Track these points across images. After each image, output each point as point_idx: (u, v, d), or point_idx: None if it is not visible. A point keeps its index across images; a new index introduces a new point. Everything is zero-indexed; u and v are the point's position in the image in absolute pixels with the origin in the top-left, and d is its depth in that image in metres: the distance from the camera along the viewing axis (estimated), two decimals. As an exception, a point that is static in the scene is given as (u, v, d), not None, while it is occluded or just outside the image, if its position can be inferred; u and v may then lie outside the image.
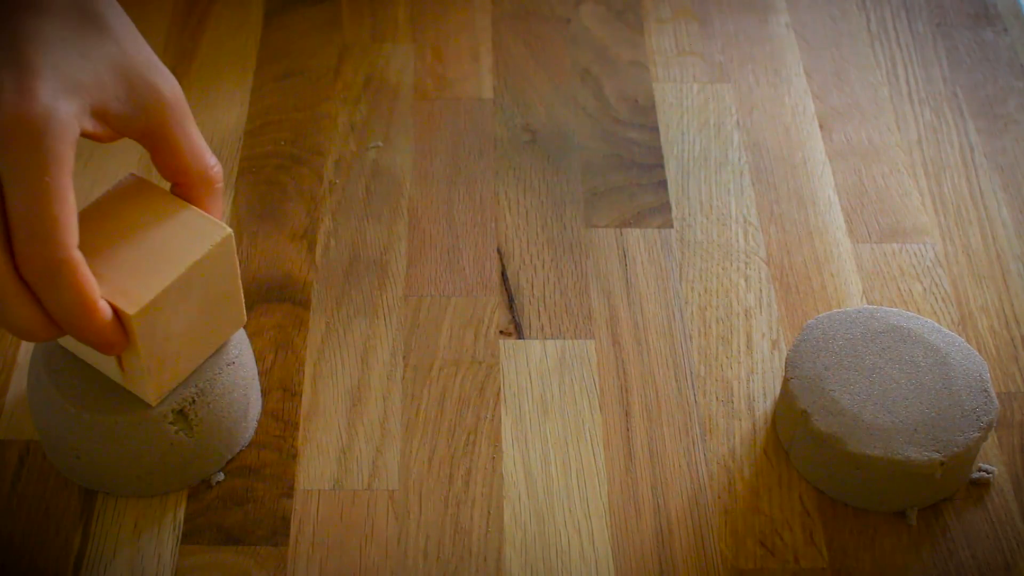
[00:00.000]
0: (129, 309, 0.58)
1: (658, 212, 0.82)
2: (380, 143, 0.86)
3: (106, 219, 0.61)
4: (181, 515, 0.67)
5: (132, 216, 0.61)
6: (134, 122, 0.59)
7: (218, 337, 0.65)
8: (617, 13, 0.95)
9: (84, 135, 0.57)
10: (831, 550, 0.67)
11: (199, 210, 0.62)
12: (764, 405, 0.73)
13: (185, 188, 0.62)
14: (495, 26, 0.94)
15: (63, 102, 0.55)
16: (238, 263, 0.63)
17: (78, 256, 0.55)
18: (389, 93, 0.89)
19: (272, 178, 0.84)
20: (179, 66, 0.90)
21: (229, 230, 0.61)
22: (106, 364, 0.64)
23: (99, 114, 0.58)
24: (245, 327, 0.72)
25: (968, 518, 0.68)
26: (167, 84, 0.60)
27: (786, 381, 0.69)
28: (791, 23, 0.95)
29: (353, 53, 0.92)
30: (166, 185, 0.64)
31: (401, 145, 0.86)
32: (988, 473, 0.70)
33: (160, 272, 0.59)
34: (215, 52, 0.91)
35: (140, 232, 0.61)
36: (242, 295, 0.65)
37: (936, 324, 0.71)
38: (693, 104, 0.89)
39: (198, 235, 0.61)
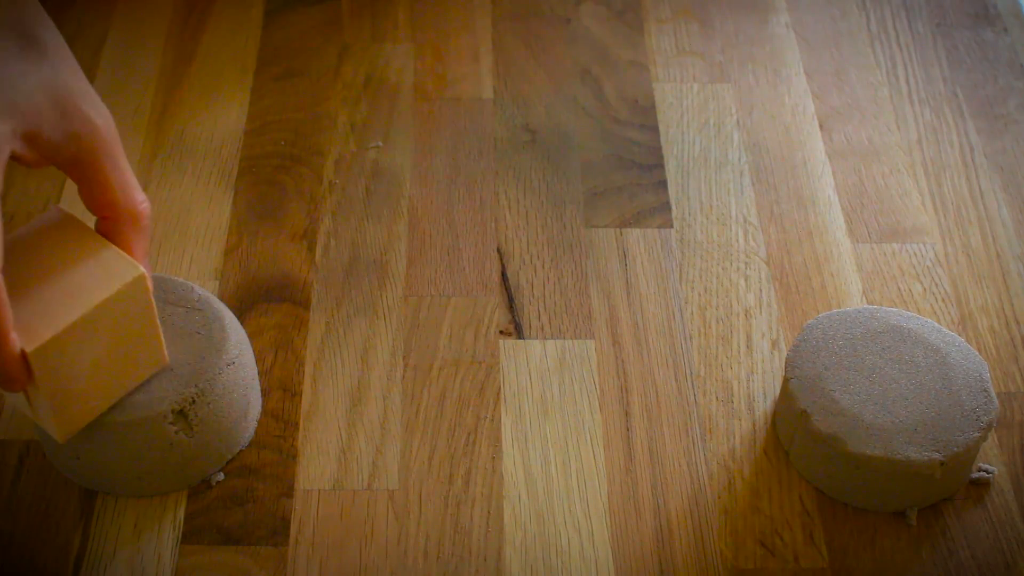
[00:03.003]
0: (28, 346, 0.57)
1: (658, 212, 0.82)
2: (380, 143, 0.86)
3: (24, 252, 0.60)
4: (181, 515, 0.67)
5: (50, 251, 0.60)
6: (64, 149, 0.58)
7: (134, 377, 0.64)
8: (617, 13, 0.95)
9: (13, 158, 0.56)
10: (831, 550, 0.67)
11: (117, 249, 0.60)
12: (764, 405, 0.73)
13: (111, 222, 0.61)
14: (495, 26, 0.94)
15: None
16: (154, 304, 0.62)
17: None
18: (389, 93, 0.89)
19: (272, 178, 0.84)
20: (179, 66, 0.90)
21: (142, 270, 0.60)
22: (21, 400, 0.63)
23: (30, 137, 0.56)
24: (245, 327, 0.72)
25: (968, 518, 0.68)
26: (100, 115, 0.59)
27: (786, 381, 0.69)
28: (791, 23, 0.95)
29: (353, 53, 0.92)
30: (91, 222, 0.62)
31: (401, 145, 0.86)
32: (988, 473, 0.70)
33: (65, 309, 0.58)
34: (215, 52, 0.91)
35: (54, 268, 0.59)
36: (160, 336, 0.64)
37: (936, 324, 0.71)
38: (693, 104, 0.89)
39: (110, 274, 0.59)
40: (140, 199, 0.61)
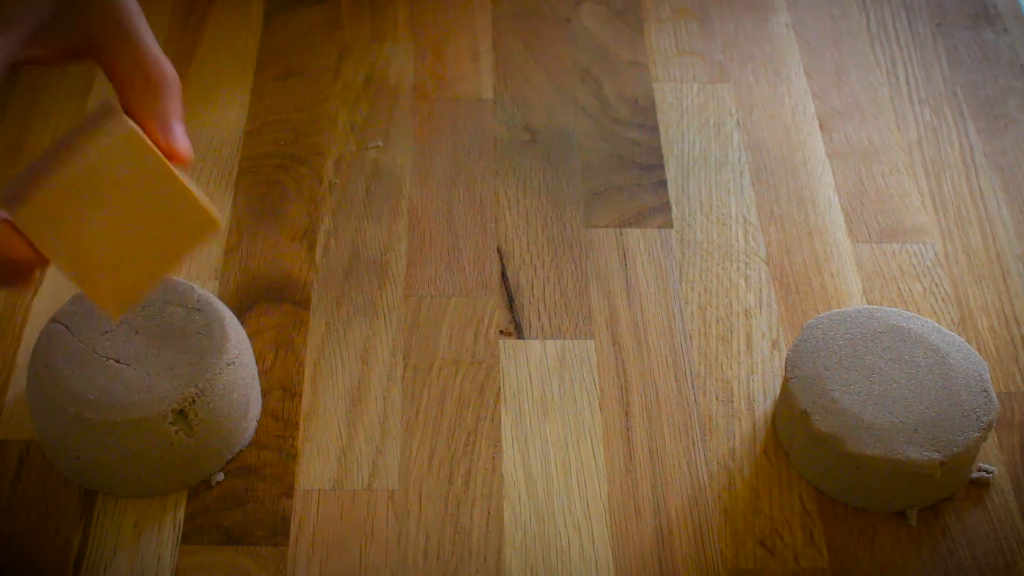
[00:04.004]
0: (10, 214, 0.55)
1: (658, 212, 0.82)
2: (380, 143, 0.86)
3: (64, 142, 0.58)
4: (181, 515, 0.67)
5: (75, 136, 0.58)
6: (81, 29, 0.56)
7: (180, 243, 0.60)
8: (617, 13, 0.95)
9: (26, 62, 0.55)
10: (831, 550, 0.67)
11: (121, 115, 0.57)
12: (764, 405, 0.73)
13: (144, 95, 0.58)
14: (495, 26, 0.94)
15: None
16: (165, 161, 0.58)
17: None
18: (389, 93, 0.89)
19: (272, 178, 0.84)
20: (179, 66, 0.89)
21: (131, 126, 0.57)
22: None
23: (38, 38, 0.55)
24: (245, 327, 0.72)
25: (968, 518, 0.68)
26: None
27: (786, 381, 0.69)
28: (791, 23, 0.95)
29: (353, 53, 0.92)
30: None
31: (401, 145, 0.86)
32: (988, 473, 0.70)
33: (51, 173, 0.56)
34: (215, 52, 0.91)
35: (69, 147, 0.57)
36: (194, 195, 0.59)
37: (936, 324, 0.71)
38: (693, 104, 0.89)
39: (97, 131, 0.57)
40: (169, 70, 0.59)
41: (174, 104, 0.59)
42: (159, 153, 0.58)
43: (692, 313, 0.77)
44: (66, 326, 0.68)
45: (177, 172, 0.59)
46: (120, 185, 0.58)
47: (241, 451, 0.70)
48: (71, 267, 0.57)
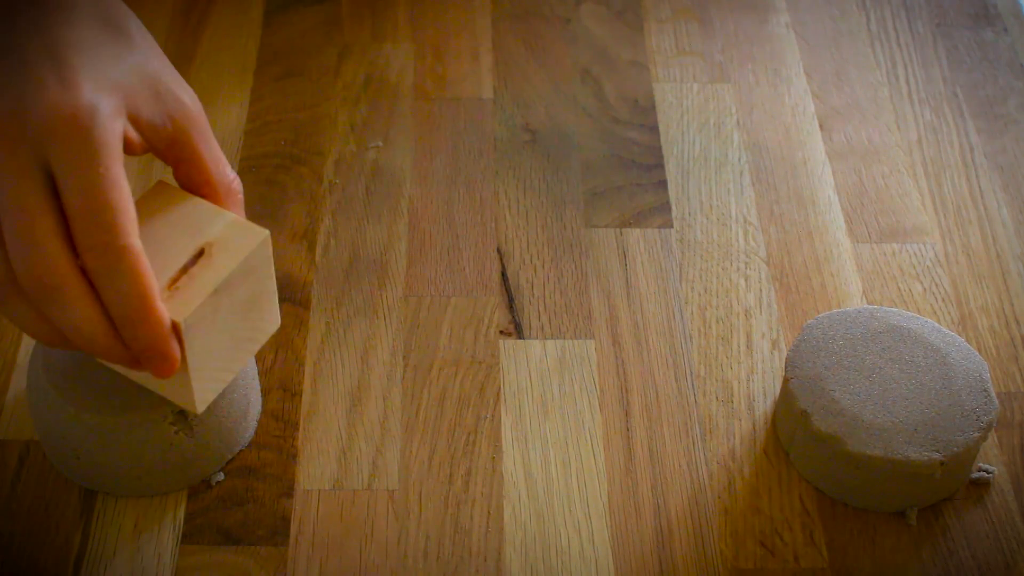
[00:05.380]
0: (177, 316, 0.57)
1: (658, 212, 0.82)
2: (380, 143, 0.86)
3: (142, 226, 0.59)
4: (181, 515, 0.67)
5: (169, 221, 0.61)
6: (162, 131, 0.59)
7: (256, 340, 0.64)
8: (617, 13, 0.95)
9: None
10: (831, 550, 0.67)
11: (233, 214, 0.61)
12: (764, 405, 0.73)
13: (209, 200, 0.62)
14: (495, 26, 0.94)
15: (105, 97, 0.56)
16: (272, 265, 0.62)
17: (138, 244, 0.55)
18: (389, 93, 0.89)
19: (272, 178, 0.84)
20: (179, 66, 0.90)
21: (266, 232, 0.61)
22: (147, 376, 0.63)
23: (132, 118, 0.58)
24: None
25: (968, 518, 0.68)
26: (191, 97, 0.61)
27: (786, 381, 0.69)
28: (791, 23, 0.95)
29: (353, 53, 0.92)
30: None
31: (401, 145, 0.86)
32: (988, 473, 0.70)
33: (202, 278, 0.59)
34: (215, 52, 0.91)
35: (177, 238, 0.60)
36: (276, 297, 0.64)
37: (936, 324, 0.71)
38: (693, 104, 0.89)
39: (238, 238, 0.60)
40: (232, 175, 0.62)
41: (241, 212, 0.63)
42: (272, 259, 0.62)
43: (692, 313, 0.77)
44: (66, 326, 0.68)
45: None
46: (245, 289, 0.61)
47: (241, 451, 0.70)
48: (193, 368, 0.60)
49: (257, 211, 0.81)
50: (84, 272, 0.55)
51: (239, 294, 0.61)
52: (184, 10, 0.94)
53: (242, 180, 0.83)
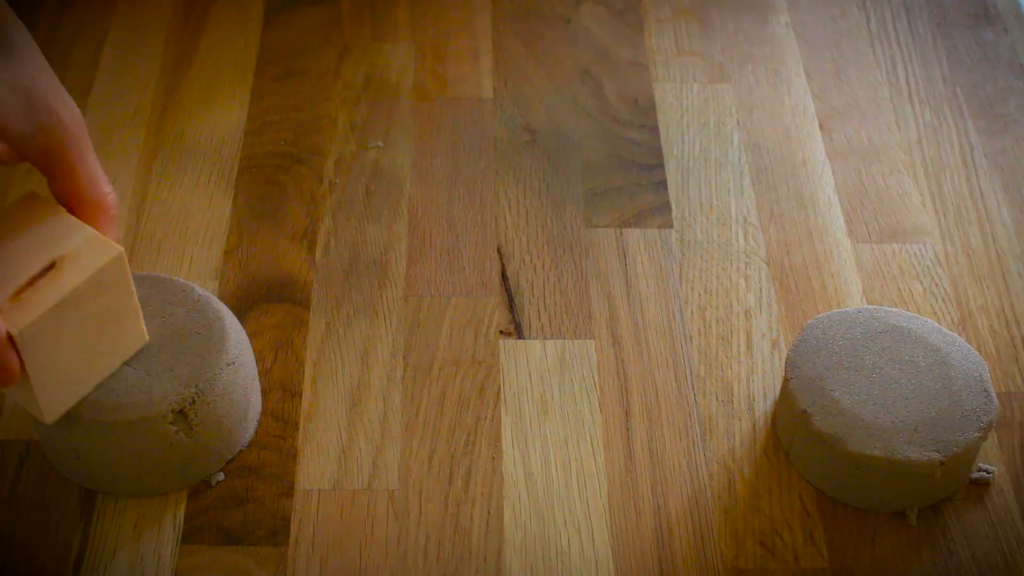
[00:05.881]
0: (13, 328, 0.58)
1: (658, 212, 0.82)
2: (380, 143, 0.86)
3: (2, 235, 0.61)
4: (181, 515, 0.67)
5: (27, 233, 0.61)
6: (32, 142, 0.59)
7: (117, 356, 0.65)
8: (617, 13, 0.95)
9: None
10: (831, 550, 0.67)
11: (93, 230, 0.61)
12: (764, 405, 0.73)
13: (79, 214, 0.62)
14: (495, 26, 0.94)
15: None
16: (131, 282, 0.63)
17: None
18: (389, 93, 0.89)
19: (272, 178, 0.84)
20: (179, 66, 0.90)
21: (120, 249, 0.61)
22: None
23: (2, 131, 0.58)
24: (245, 327, 0.72)
25: (968, 518, 0.68)
26: (67, 109, 0.60)
27: (786, 381, 0.69)
28: (791, 23, 0.95)
29: (353, 53, 0.92)
30: None
31: (401, 145, 0.86)
32: (988, 473, 0.70)
33: (48, 290, 0.59)
34: (215, 52, 0.91)
35: (33, 249, 0.60)
36: (140, 313, 0.64)
37: (936, 324, 0.71)
38: (693, 104, 0.89)
39: (90, 253, 0.60)
40: (106, 191, 0.62)
41: (113, 231, 0.63)
42: (130, 276, 0.63)
43: (692, 313, 0.77)
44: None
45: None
46: (97, 305, 0.62)
47: (241, 451, 0.70)
48: (36, 379, 0.60)
49: (257, 211, 0.82)
50: None
51: (90, 309, 0.61)
52: (184, 10, 0.94)
53: (242, 180, 0.83)
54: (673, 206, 0.83)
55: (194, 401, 0.65)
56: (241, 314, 0.75)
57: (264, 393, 0.72)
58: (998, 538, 0.68)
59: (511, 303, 0.77)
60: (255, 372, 0.71)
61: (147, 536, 0.66)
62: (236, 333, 0.69)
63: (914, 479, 0.66)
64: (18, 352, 0.58)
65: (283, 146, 0.86)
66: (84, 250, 0.61)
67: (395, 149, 0.86)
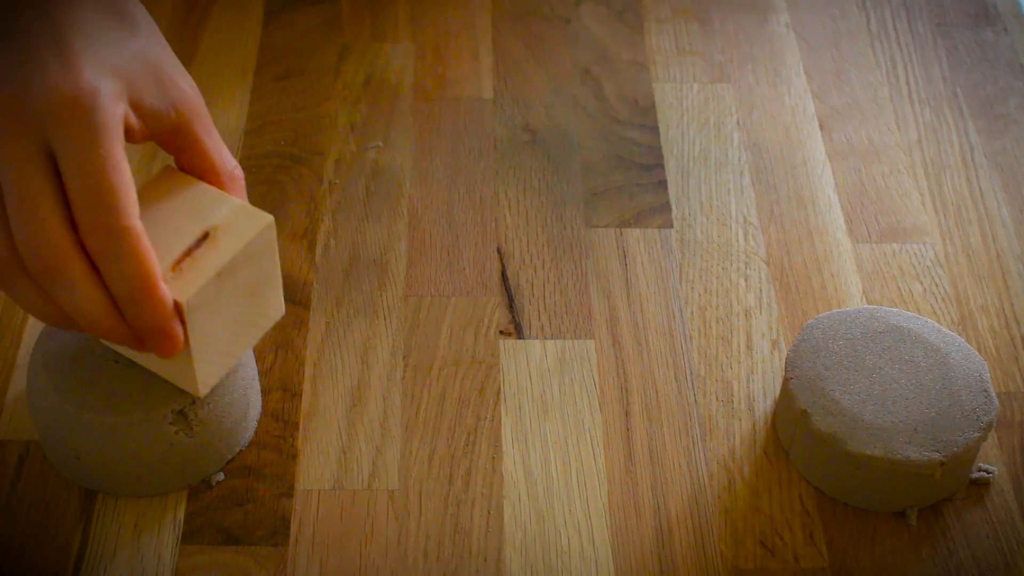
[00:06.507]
0: (180, 296, 0.58)
1: (658, 212, 0.82)
2: (380, 143, 0.86)
3: (147, 209, 0.60)
4: (181, 515, 0.67)
5: (175, 205, 0.61)
6: (164, 119, 0.59)
7: (259, 326, 0.65)
8: (617, 13, 0.95)
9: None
10: (831, 550, 0.67)
11: (239, 199, 0.62)
12: (764, 405, 0.73)
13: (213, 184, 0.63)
14: (495, 26, 0.94)
15: (107, 81, 0.56)
16: (277, 251, 0.63)
17: (139, 226, 0.56)
18: (389, 93, 0.89)
19: (272, 178, 0.84)
20: (179, 66, 0.90)
21: (270, 217, 0.61)
22: (150, 359, 0.64)
23: (134, 104, 0.58)
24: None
25: (968, 518, 0.68)
26: (192, 87, 0.61)
27: (786, 381, 0.69)
28: (791, 23, 0.95)
29: (353, 53, 0.92)
30: None
31: (401, 145, 0.86)
32: (988, 473, 0.70)
33: (206, 260, 0.59)
34: (215, 52, 0.91)
35: (183, 222, 0.61)
36: (281, 283, 0.65)
37: (936, 324, 0.71)
38: (693, 104, 0.89)
39: (241, 223, 0.61)
40: (234, 163, 0.63)
41: (244, 198, 0.63)
42: (276, 245, 0.62)
43: (692, 313, 0.77)
44: (66, 326, 0.68)
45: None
46: (250, 274, 0.62)
47: (241, 451, 0.70)
48: (197, 350, 0.60)
49: (257, 211, 0.82)
50: (87, 253, 0.56)
51: (242, 278, 0.61)
52: (184, 10, 0.94)
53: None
54: (673, 206, 0.83)
55: (194, 401, 0.65)
56: (241, 314, 0.75)
57: (264, 393, 0.72)
58: (998, 538, 0.68)
59: (511, 303, 0.77)
60: (255, 372, 0.71)
61: (147, 536, 0.66)
62: (236, 333, 0.69)
63: (914, 479, 0.66)
64: (184, 323, 0.58)
65: (283, 146, 0.86)
66: (235, 220, 0.61)
67: (395, 149, 0.86)
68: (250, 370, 0.70)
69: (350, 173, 0.84)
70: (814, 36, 0.94)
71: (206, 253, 0.60)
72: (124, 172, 0.55)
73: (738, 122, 0.88)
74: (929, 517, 0.68)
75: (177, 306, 0.58)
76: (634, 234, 0.81)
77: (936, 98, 0.90)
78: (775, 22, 0.95)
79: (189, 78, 0.61)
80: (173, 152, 0.62)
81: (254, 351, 0.72)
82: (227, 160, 0.62)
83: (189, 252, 0.60)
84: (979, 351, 0.75)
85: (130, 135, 0.58)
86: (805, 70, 0.92)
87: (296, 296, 0.77)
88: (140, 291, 0.56)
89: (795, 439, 0.69)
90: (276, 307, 0.65)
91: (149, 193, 0.61)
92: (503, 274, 0.79)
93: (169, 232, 0.60)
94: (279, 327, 0.75)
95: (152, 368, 0.64)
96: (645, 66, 0.92)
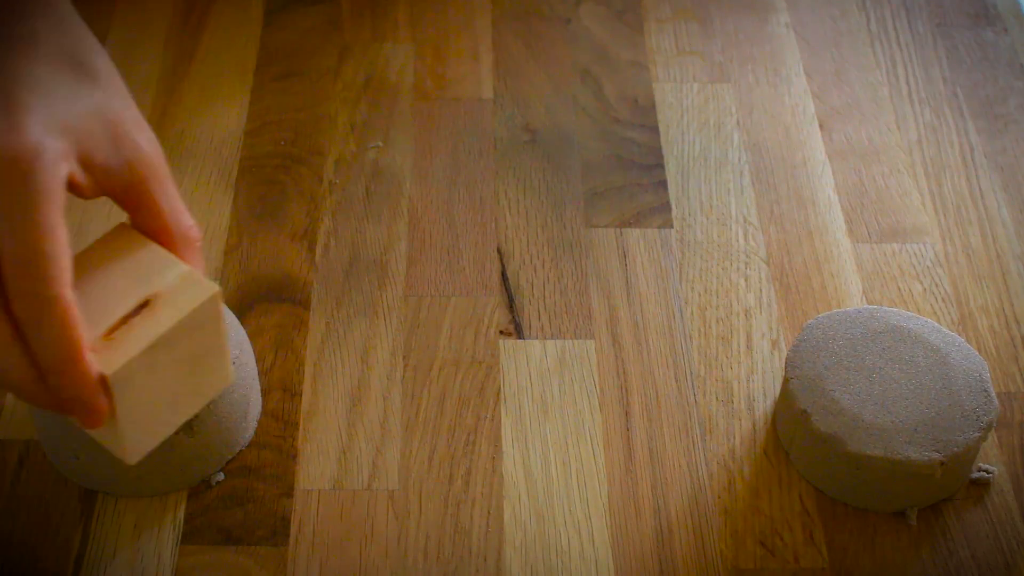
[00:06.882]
0: (106, 369, 0.55)
1: (658, 212, 0.82)
2: (380, 143, 0.86)
3: (91, 269, 0.58)
4: (181, 515, 0.67)
5: (119, 268, 0.59)
6: (116, 176, 0.57)
7: (203, 396, 0.62)
8: (617, 13, 0.95)
9: (68, 183, 0.55)
10: (831, 550, 0.67)
11: (188, 266, 0.59)
12: (764, 405, 0.73)
13: (165, 249, 0.60)
14: (495, 26, 0.94)
15: (52, 139, 0.54)
16: (224, 322, 0.60)
17: (70, 295, 0.53)
18: (389, 93, 0.89)
19: (272, 178, 0.84)
20: (179, 66, 0.90)
21: (216, 288, 0.58)
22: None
23: (84, 161, 0.56)
24: (245, 327, 0.72)
25: (968, 518, 0.68)
26: (150, 141, 0.59)
27: (786, 381, 0.69)
28: (791, 23, 0.95)
29: (353, 53, 0.92)
30: None
31: (401, 145, 0.86)
32: (988, 473, 0.70)
33: (141, 330, 0.57)
34: (215, 52, 0.91)
35: (124, 286, 0.58)
36: (228, 353, 0.61)
37: (936, 324, 0.71)
38: (693, 104, 0.89)
39: (184, 292, 0.58)
40: (190, 223, 0.60)
41: (198, 264, 0.60)
42: (223, 315, 0.59)
43: (692, 313, 0.77)
44: (66, 326, 0.68)
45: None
46: (189, 345, 0.58)
47: (241, 451, 0.70)
48: (125, 422, 0.57)
49: (257, 211, 0.82)
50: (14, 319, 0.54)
51: (182, 349, 0.58)
52: (184, 10, 0.94)
53: (242, 180, 0.83)
54: (673, 206, 0.83)
55: (194, 401, 0.65)
56: (241, 314, 0.75)
57: (264, 393, 0.72)
58: (998, 538, 0.68)
59: (511, 303, 0.77)
60: (255, 372, 0.71)
61: (147, 536, 0.66)
62: (236, 333, 0.69)
63: (914, 479, 0.66)
64: (109, 394, 0.56)
65: (283, 146, 0.86)
66: (179, 288, 0.58)
67: (395, 149, 0.86)
68: (250, 370, 0.70)
69: (350, 173, 0.84)
70: (814, 36, 0.94)
71: (143, 322, 0.57)
72: (58, 238, 0.53)
73: (738, 122, 0.88)
74: (929, 517, 0.68)
75: (103, 378, 0.55)
76: (634, 234, 0.81)
77: (936, 98, 0.90)
78: (775, 22, 0.95)
79: (150, 134, 0.59)
80: (127, 209, 0.59)
81: (254, 351, 0.72)
82: (182, 222, 0.60)
83: (126, 319, 0.56)
84: (979, 351, 0.75)
85: (79, 191, 0.56)
86: (805, 70, 0.92)
87: (296, 296, 0.77)
88: (63, 362, 0.54)
89: (795, 439, 0.69)
90: (222, 376, 0.62)
91: (97, 251, 0.59)
92: (503, 274, 0.79)
93: (109, 295, 0.57)
94: (279, 327, 0.75)
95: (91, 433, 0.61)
96: (645, 66, 0.92)
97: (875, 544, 0.67)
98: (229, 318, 0.69)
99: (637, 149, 0.86)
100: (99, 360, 0.55)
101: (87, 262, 0.58)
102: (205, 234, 0.80)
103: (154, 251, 0.59)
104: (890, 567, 0.66)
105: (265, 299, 0.77)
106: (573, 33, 0.94)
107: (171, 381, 0.59)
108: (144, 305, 0.57)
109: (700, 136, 0.87)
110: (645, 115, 0.88)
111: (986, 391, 0.68)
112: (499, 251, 0.80)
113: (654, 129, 0.87)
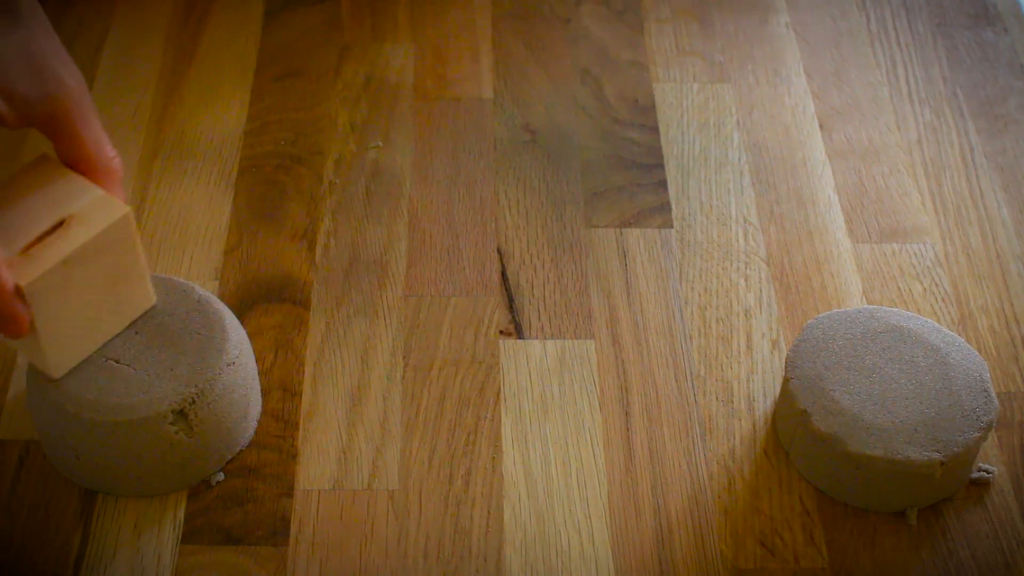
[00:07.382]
0: (22, 280, 0.60)
1: (658, 212, 0.82)
2: (380, 143, 0.86)
3: (13, 194, 0.63)
4: (181, 515, 0.67)
5: (39, 193, 0.63)
6: (38, 107, 0.61)
7: (124, 316, 0.67)
8: (617, 13, 0.95)
9: None
10: (831, 550, 0.67)
11: (102, 191, 0.63)
12: (764, 405, 0.73)
13: (87, 178, 0.64)
14: (495, 26, 0.94)
15: None
16: (139, 242, 0.65)
17: None
18: (389, 93, 0.89)
19: (272, 178, 0.84)
20: (179, 66, 0.90)
21: (127, 208, 0.63)
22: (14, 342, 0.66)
23: (5, 93, 0.59)
24: (245, 327, 0.72)
25: (968, 518, 0.68)
26: (72, 76, 0.62)
27: (786, 381, 0.69)
28: (791, 23, 0.95)
29: (353, 53, 0.92)
30: None
31: (401, 145, 0.86)
32: (988, 473, 0.70)
33: (55, 247, 0.61)
34: (215, 52, 0.91)
35: (44, 208, 0.62)
36: (147, 274, 0.67)
37: (936, 324, 0.71)
38: (693, 104, 0.89)
39: (97, 213, 0.63)
40: (111, 154, 0.64)
41: (119, 193, 0.65)
42: (137, 236, 0.65)
43: (692, 313, 0.77)
44: (66, 326, 0.68)
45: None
46: (105, 263, 0.64)
47: (241, 451, 0.70)
48: (45, 333, 0.63)
49: (257, 211, 0.82)
50: None
51: (97, 268, 0.63)
52: (184, 10, 0.94)
53: (242, 180, 0.83)
54: (673, 206, 0.83)
55: (194, 401, 0.65)
56: (241, 314, 0.75)
57: (264, 393, 0.72)
58: (998, 538, 0.68)
59: (511, 303, 0.77)
60: (255, 372, 0.71)
61: (147, 536, 0.66)
62: (236, 333, 0.69)
63: (914, 479, 0.66)
64: (27, 305, 0.60)
65: (283, 146, 0.86)
66: (92, 209, 0.63)
67: (395, 149, 0.86)
68: (250, 370, 0.70)
69: (350, 173, 0.84)
70: (814, 36, 0.94)
71: (57, 240, 0.62)
72: None
73: (738, 122, 0.88)
74: (929, 517, 0.68)
75: (18, 289, 0.60)
76: (634, 234, 0.81)
77: (936, 98, 0.90)
78: (775, 22, 0.95)
79: (74, 69, 0.62)
80: (50, 139, 0.63)
81: (254, 351, 0.72)
82: (104, 152, 0.64)
83: (41, 238, 0.61)
84: (979, 351, 0.75)
85: (2, 121, 0.60)
86: (805, 70, 0.92)
87: (296, 296, 0.77)
88: None
89: (795, 439, 0.69)
90: (144, 297, 0.67)
91: (18, 180, 0.63)
92: (503, 274, 0.79)
93: (27, 218, 0.62)
94: (279, 327, 0.75)
95: (18, 349, 0.67)
96: (645, 66, 0.92)
97: (875, 544, 0.67)
98: (229, 318, 0.69)
99: (637, 149, 0.86)
100: (15, 274, 0.60)
101: (7, 190, 0.63)
102: (205, 234, 0.80)
103: (72, 179, 0.64)
104: (890, 567, 0.66)
105: (265, 299, 0.77)
106: (573, 33, 0.94)
107: (89, 298, 0.64)
108: (59, 225, 0.62)
109: (700, 136, 0.87)
110: (645, 115, 0.88)
111: (986, 391, 0.68)
112: (499, 251, 0.80)
113: (654, 129, 0.87)
